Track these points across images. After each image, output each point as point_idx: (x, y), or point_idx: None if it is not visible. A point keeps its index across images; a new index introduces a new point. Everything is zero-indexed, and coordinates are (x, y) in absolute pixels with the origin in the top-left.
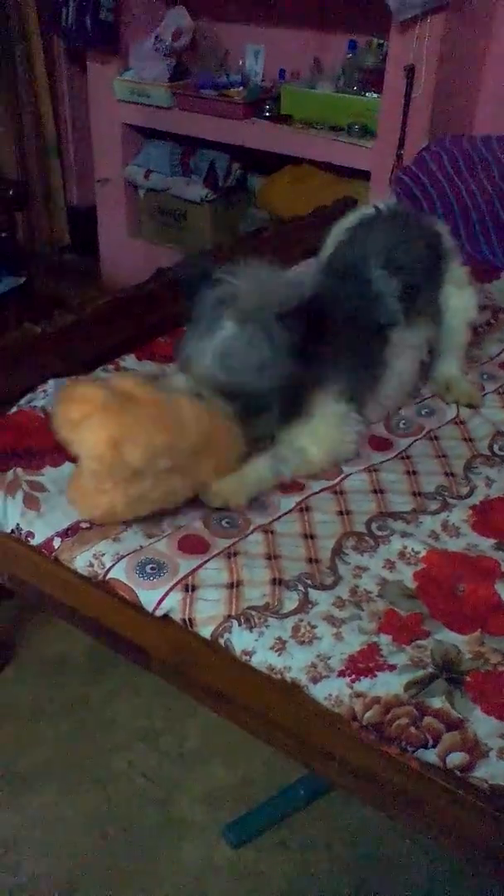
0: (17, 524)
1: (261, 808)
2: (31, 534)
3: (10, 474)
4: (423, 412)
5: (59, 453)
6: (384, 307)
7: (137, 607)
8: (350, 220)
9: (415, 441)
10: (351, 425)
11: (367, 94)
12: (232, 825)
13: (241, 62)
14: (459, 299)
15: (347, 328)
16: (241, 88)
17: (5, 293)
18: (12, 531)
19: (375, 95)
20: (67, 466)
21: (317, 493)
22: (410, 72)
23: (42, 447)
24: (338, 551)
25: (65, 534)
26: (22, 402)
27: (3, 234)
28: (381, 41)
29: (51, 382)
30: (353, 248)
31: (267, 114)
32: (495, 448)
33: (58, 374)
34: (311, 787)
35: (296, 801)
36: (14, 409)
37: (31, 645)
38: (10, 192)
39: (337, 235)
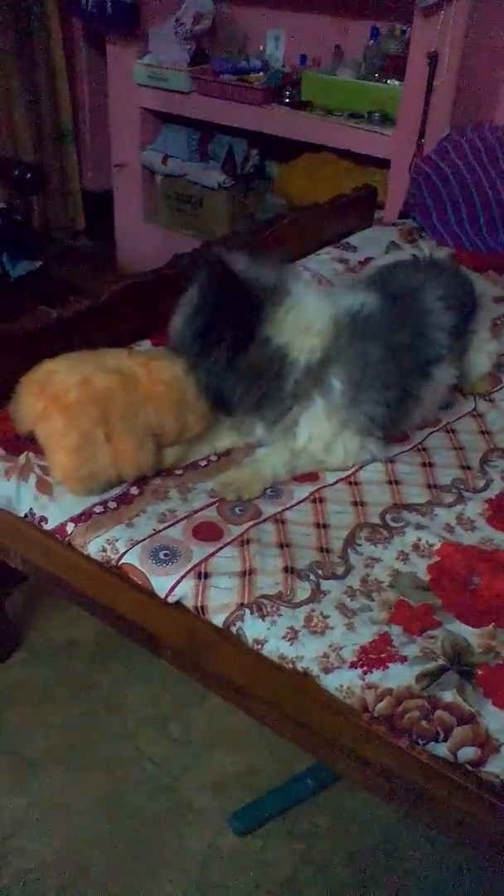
0: (31, 508)
1: (267, 796)
2: (44, 518)
3: (21, 458)
4: (440, 405)
5: None
6: (435, 341)
7: (150, 593)
8: (388, 258)
9: (431, 433)
10: (366, 451)
11: (388, 82)
12: (238, 813)
13: (261, 47)
14: (486, 344)
15: (390, 356)
16: (260, 74)
17: (20, 277)
18: (25, 515)
19: (397, 83)
20: None
21: (332, 484)
22: (433, 59)
23: None
24: (351, 542)
25: (78, 519)
26: None
27: (19, 218)
28: (404, 28)
29: None
30: (406, 275)
31: (287, 100)
32: None
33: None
34: (318, 777)
35: (302, 790)
36: None
37: (41, 629)
38: (28, 176)
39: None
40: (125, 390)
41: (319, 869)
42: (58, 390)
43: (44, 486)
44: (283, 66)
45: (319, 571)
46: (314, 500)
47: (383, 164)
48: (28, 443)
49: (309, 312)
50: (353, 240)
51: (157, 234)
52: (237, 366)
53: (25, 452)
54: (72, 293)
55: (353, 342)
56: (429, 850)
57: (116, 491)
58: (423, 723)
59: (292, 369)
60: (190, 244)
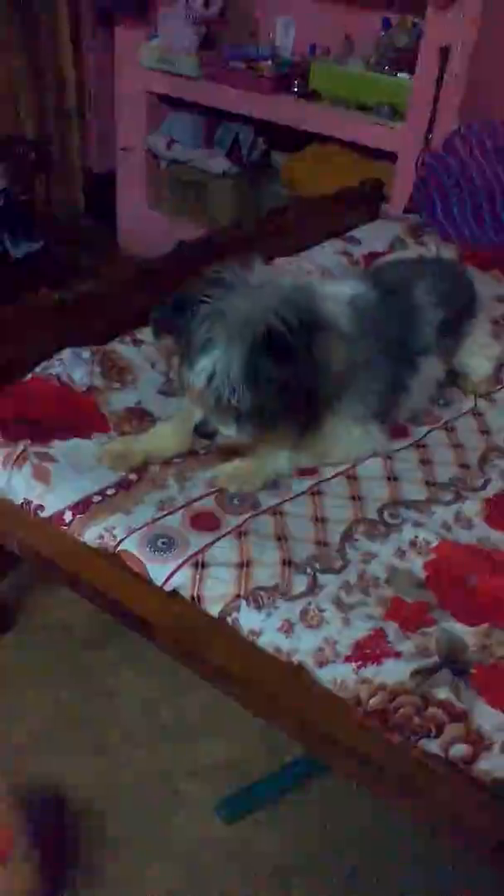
0: (26, 497)
1: (256, 785)
2: (41, 507)
3: (18, 446)
4: (440, 402)
5: (69, 426)
6: (422, 333)
7: (146, 581)
8: (394, 255)
9: (431, 430)
10: (372, 438)
11: (398, 74)
12: (226, 801)
13: (270, 35)
14: (485, 349)
15: (382, 347)
16: (269, 62)
17: (21, 258)
18: (21, 504)
19: (407, 76)
20: (76, 441)
21: (330, 478)
22: (444, 53)
23: (52, 418)
24: (348, 536)
25: (76, 507)
26: (37, 369)
27: (23, 198)
28: (416, 20)
29: (67, 351)
30: (402, 270)
31: (295, 89)
32: None
33: (75, 342)
34: (307, 766)
35: (292, 780)
36: (28, 377)
37: (35, 612)
38: (32, 155)
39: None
40: None
41: (307, 858)
42: None
43: (40, 475)
44: (293, 54)
45: (316, 565)
46: (313, 494)
47: (391, 157)
48: (25, 429)
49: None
50: (357, 233)
51: (160, 219)
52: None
53: (21, 440)
54: (73, 275)
55: (351, 334)
56: (417, 843)
57: (114, 478)
58: (416, 719)
59: (330, 379)
60: (193, 231)
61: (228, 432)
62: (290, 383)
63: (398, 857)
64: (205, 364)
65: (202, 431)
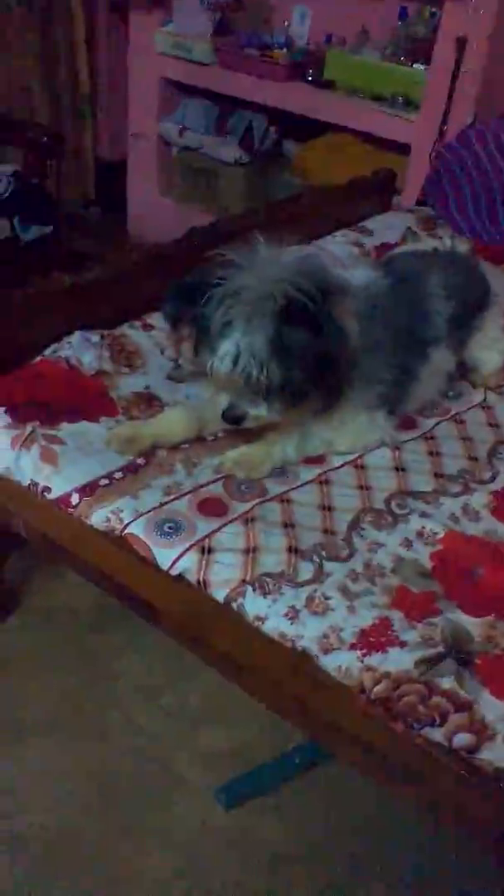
0: (33, 479)
1: (256, 772)
2: (47, 488)
3: (27, 428)
4: (449, 394)
5: (77, 409)
6: (433, 324)
7: (152, 565)
8: (407, 247)
9: (440, 422)
10: (379, 426)
11: (414, 65)
12: (226, 787)
13: (286, 22)
14: (496, 343)
15: (392, 335)
16: (284, 50)
17: (32, 241)
18: (28, 486)
19: (423, 67)
20: (84, 424)
21: (338, 467)
22: (461, 44)
23: (60, 401)
24: (355, 525)
25: (83, 490)
26: (46, 352)
27: (35, 182)
28: (434, 10)
29: (77, 334)
30: (415, 261)
31: (309, 78)
32: None
33: (85, 326)
34: (308, 754)
35: (292, 767)
36: (38, 359)
37: (39, 595)
38: (44, 139)
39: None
40: None
41: (307, 845)
42: None
43: (48, 456)
44: (308, 43)
45: (323, 553)
46: (320, 482)
47: (404, 149)
48: (34, 411)
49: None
50: (369, 224)
51: (170, 206)
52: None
53: (30, 422)
54: (82, 261)
55: (362, 320)
56: (419, 831)
57: (122, 462)
58: (420, 708)
59: (350, 354)
60: (204, 219)
61: (259, 412)
62: (316, 349)
63: (400, 846)
64: (228, 347)
65: (231, 416)
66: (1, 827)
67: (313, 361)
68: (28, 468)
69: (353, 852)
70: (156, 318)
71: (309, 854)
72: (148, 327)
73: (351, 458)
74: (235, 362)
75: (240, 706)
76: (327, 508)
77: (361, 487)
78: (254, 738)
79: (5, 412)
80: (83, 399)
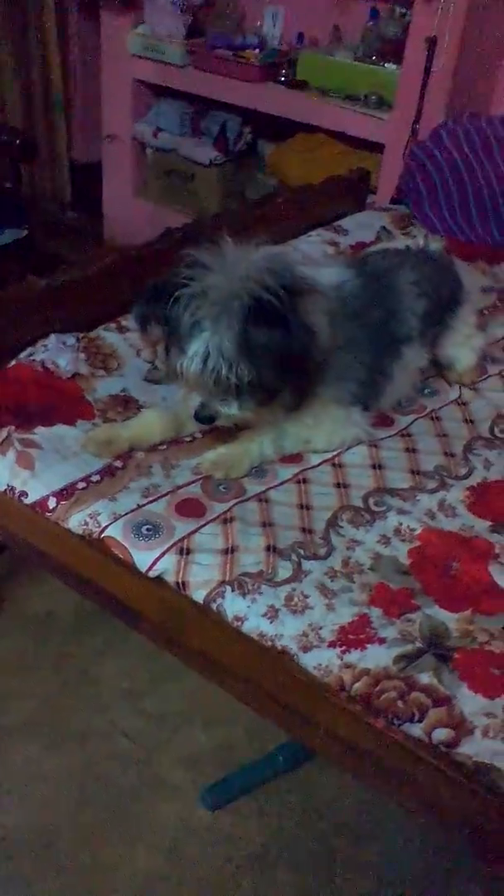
0: (9, 484)
1: (239, 773)
2: (24, 493)
3: (2, 433)
4: (425, 391)
5: (53, 413)
6: (406, 322)
7: (131, 568)
8: (381, 245)
9: (416, 419)
10: (355, 422)
11: (386, 65)
12: (210, 788)
13: (258, 24)
14: (469, 339)
15: (365, 333)
16: (257, 51)
17: (6, 245)
18: (5, 491)
19: (395, 66)
20: (61, 427)
21: (316, 465)
22: (432, 44)
23: (36, 405)
24: (333, 523)
25: (60, 494)
26: (21, 355)
27: (7, 185)
28: (404, 10)
29: (52, 337)
30: (388, 259)
31: (282, 78)
32: (496, 431)
33: (60, 329)
34: (290, 755)
35: (274, 768)
36: (13, 363)
37: (19, 600)
38: (17, 142)
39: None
40: None
41: (289, 846)
42: None
43: (24, 461)
44: (280, 44)
45: (301, 551)
46: (298, 481)
47: (378, 148)
48: (9, 415)
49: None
50: (344, 223)
51: (146, 208)
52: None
53: (6, 426)
54: (57, 264)
55: (336, 319)
56: (401, 830)
57: (99, 465)
58: (399, 703)
59: (319, 352)
60: (179, 220)
61: (230, 411)
62: (284, 347)
63: (381, 847)
64: (197, 347)
65: (202, 416)
66: None
67: (282, 360)
68: (4, 473)
69: (336, 851)
70: (131, 321)
71: (291, 854)
72: (124, 329)
73: (328, 456)
74: (205, 362)
75: (222, 707)
76: (305, 507)
77: (339, 485)
78: (237, 739)
79: None
80: (59, 402)
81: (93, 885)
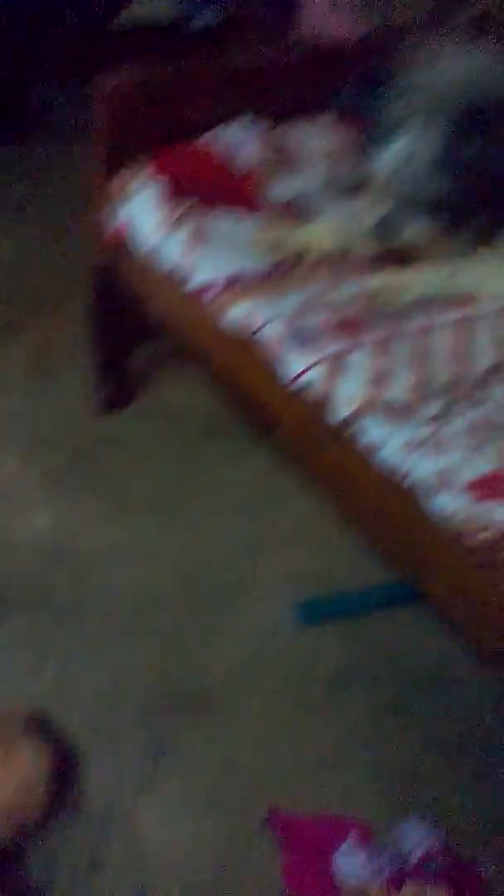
0: (177, 263)
1: (336, 596)
2: (188, 277)
3: (181, 207)
4: None
5: (230, 200)
6: None
7: (278, 372)
8: None
9: None
10: None
11: None
12: (305, 604)
13: None
14: None
15: None
16: None
17: (197, 32)
18: (169, 273)
19: None
20: (235, 216)
21: (487, 311)
22: None
23: (216, 188)
24: (495, 372)
25: (226, 280)
26: (207, 134)
27: None
28: None
29: (237, 122)
30: None
31: None
32: None
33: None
34: (389, 594)
35: (371, 602)
36: (197, 141)
37: (157, 393)
38: None
39: None
40: None
41: (367, 680)
42: None
43: (196, 240)
44: None
45: (455, 392)
46: (464, 323)
47: None
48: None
49: None
50: None
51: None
52: None
53: (186, 201)
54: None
55: None
56: (477, 686)
57: (267, 263)
58: None
59: None
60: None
61: (416, 224)
62: (491, 165)
63: (453, 699)
64: (399, 146)
65: (383, 228)
66: (95, 582)
67: (486, 179)
68: (175, 251)
69: (407, 694)
70: (323, 121)
71: (364, 686)
72: (315, 126)
73: (503, 303)
74: (406, 163)
75: (330, 535)
76: (468, 350)
77: None
78: (339, 567)
79: (168, 182)
80: (237, 193)
81: (188, 648)
